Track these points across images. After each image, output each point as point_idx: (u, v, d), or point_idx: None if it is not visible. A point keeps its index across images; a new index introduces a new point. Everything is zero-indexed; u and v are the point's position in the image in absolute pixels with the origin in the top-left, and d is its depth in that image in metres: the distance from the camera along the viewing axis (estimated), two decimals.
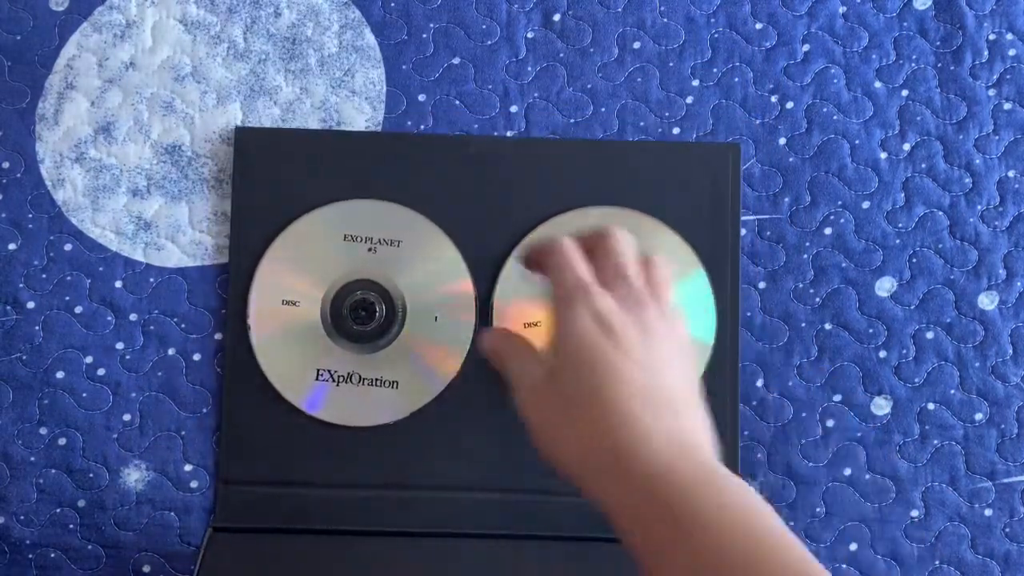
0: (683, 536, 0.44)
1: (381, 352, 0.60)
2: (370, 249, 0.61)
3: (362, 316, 0.60)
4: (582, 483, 0.48)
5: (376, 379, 0.60)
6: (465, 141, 0.62)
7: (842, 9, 0.64)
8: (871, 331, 0.61)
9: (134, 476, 0.60)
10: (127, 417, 0.61)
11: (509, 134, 0.63)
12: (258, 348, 0.60)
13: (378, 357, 0.60)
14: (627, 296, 0.51)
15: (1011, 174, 0.62)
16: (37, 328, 0.61)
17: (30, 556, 0.60)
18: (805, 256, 0.62)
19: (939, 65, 0.63)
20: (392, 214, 0.61)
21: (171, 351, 0.61)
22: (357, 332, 0.60)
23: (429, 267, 0.61)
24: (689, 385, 0.51)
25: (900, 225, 0.62)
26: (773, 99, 0.63)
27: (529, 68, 0.63)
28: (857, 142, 0.62)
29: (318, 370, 0.60)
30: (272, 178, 0.62)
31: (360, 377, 0.60)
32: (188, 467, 0.60)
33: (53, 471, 0.60)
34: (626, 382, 0.48)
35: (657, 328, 0.51)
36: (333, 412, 0.60)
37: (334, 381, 0.60)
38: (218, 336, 0.61)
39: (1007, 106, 0.62)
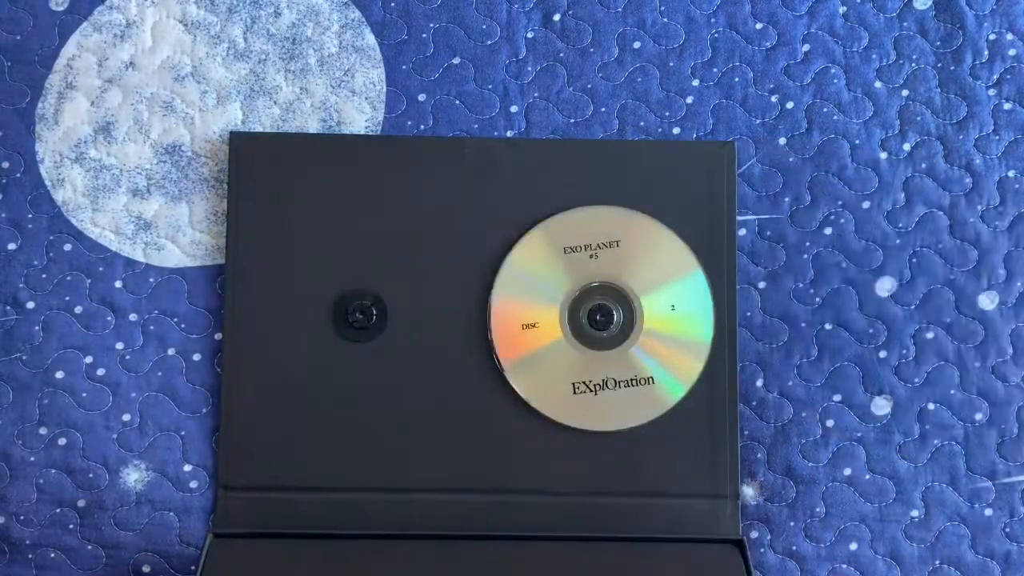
0: None
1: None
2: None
3: (360, 319, 0.60)
4: None
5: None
6: (460, 143, 0.62)
7: (842, 9, 0.63)
8: (871, 331, 0.61)
9: (134, 476, 0.60)
10: (127, 417, 0.61)
11: (509, 134, 0.63)
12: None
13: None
14: None
15: (1011, 174, 0.62)
16: (37, 328, 0.61)
17: (30, 556, 0.60)
18: (805, 256, 0.62)
19: (939, 65, 0.63)
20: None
21: (171, 351, 0.61)
22: (355, 335, 0.60)
23: None
24: None
25: (900, 225, 0.62)
26: (773, 99, 0.63)
27: (529, 68, 0.63)
28: (857, 142, 0.62)
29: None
30: (268, 182, 0.61)
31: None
32: (188, 467, 0.60)
33: (53, 471, 0.60)
34: None
35: None
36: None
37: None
38: (218, 336, 0.61)
39: (1007, 106, 0.62)
